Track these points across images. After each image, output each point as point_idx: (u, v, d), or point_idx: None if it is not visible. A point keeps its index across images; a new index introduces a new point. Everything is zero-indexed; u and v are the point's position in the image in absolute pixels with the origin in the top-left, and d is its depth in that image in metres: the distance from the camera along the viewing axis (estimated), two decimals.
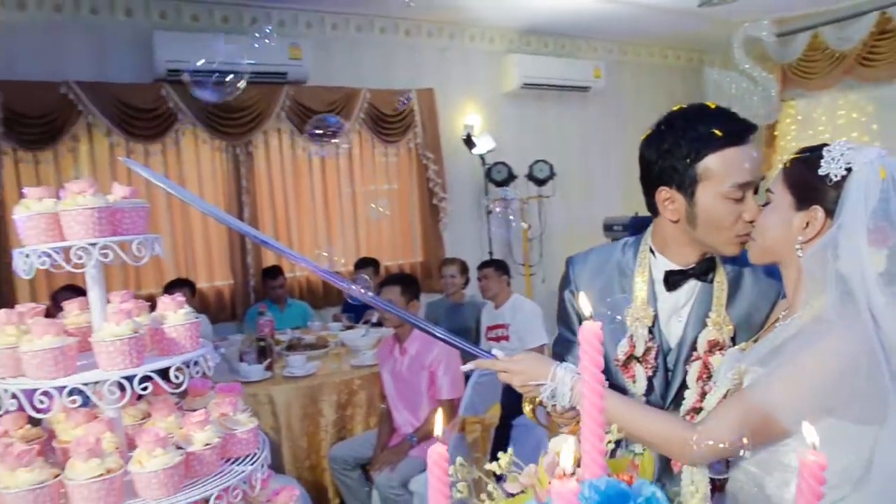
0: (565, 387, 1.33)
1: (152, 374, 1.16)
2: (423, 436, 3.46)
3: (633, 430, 1.30)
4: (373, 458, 3.52)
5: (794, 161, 1.33)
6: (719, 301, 1.49)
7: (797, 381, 1.19)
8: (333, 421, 3.70)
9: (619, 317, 1.52)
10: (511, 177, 6.18)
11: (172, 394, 1.25)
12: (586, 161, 6.93)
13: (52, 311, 1.30)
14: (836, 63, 6.45)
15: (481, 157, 6.14)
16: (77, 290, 3.48)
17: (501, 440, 3.62)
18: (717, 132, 1.36)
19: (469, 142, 6.04)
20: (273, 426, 3.56)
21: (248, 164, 5.32)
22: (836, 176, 1.24)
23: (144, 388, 1.15)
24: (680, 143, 1.39)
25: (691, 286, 1.50)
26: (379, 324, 4.45)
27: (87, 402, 1.16)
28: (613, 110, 6.93)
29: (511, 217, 5.73)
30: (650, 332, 1.50)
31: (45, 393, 1.10)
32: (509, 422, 3.71)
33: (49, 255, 1.17)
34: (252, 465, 1.23)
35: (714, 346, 1.48)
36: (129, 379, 1.13)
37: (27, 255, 1.19)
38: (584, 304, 0.76)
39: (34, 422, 1.24)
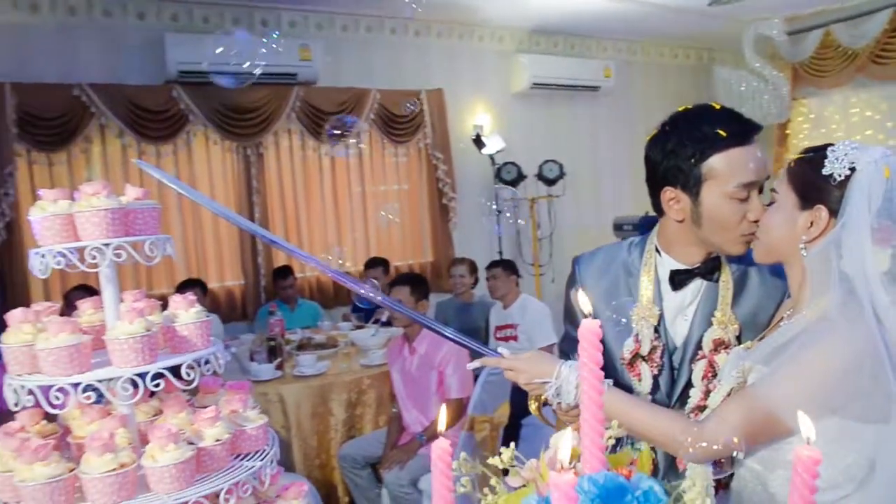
0: (570, 384, 1.34)
1: (164, 372, 1.18)
2: (433, 435, 3.48)
3: (637, 427, 1.32)
4: (382, 457, 3.54)
5: (799, 161, 1.34)
6: (725, 300, 1.50)
7: (801, 379, 1.20)
8: (343, 420, 3.72)
9: (624, 319, 1.53)
10: (521, 177, 6.19)
11: (184, 391, 1.28)
12: (596, 161, 6.93)
13: (65, 311, 1.32)
14: (848, 61, 6.41)
15: (491, 157, 6.15)
16: (89, 290, 3.54)
17: (510, 439, 3.63)
18: (721, 132, 1.37)
19: (479, 142, 6.06)
20: (283, 425, 3.58)
21: (259, 165, 5.36)
22: (839, 175, 1.25)
23: (157, 385, 1.17)
24: (685, 143, 1.40)
25: (697, 285, 1.51)
26: (388, 323, 4.47)
27: (100, 398, 1.19)
28: (623, 110, 6.92)
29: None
30: (656, 331, 1.51)
31: (61, 389, 1.13)
32: (518, 421, 3.72)
33: (64, 255, 1.20)
34: (261, 460, 1.25)
35: (719, 345, 1.49)
36: (142, 376, 1.16)
37: (43, 255, 1.21)
38: (584, 301, 0.78)
39: (50, 418, 1.27)
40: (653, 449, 1.48)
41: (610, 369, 1.57)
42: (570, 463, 0.59)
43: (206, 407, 1.27)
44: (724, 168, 1.37)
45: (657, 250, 1.54)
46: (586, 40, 6.84)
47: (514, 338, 4.37)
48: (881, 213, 1.21)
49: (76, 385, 1.14)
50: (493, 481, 0.85)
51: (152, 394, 1.29)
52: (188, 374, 1.21)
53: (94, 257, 1.20)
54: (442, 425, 0.74)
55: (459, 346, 1.57)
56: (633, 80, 7.11)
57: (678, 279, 1.51)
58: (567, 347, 1.64)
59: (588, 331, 0.68)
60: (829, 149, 1.29)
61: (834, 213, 1.26)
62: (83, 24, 4.75)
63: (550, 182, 6.31)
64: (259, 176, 5.35)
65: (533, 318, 4.36)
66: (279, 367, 3.87)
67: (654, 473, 1.49)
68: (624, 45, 7.14)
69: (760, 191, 1.41)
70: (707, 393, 1.45)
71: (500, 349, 1.47)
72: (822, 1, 6.12)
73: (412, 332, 3.56)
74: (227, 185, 5.31)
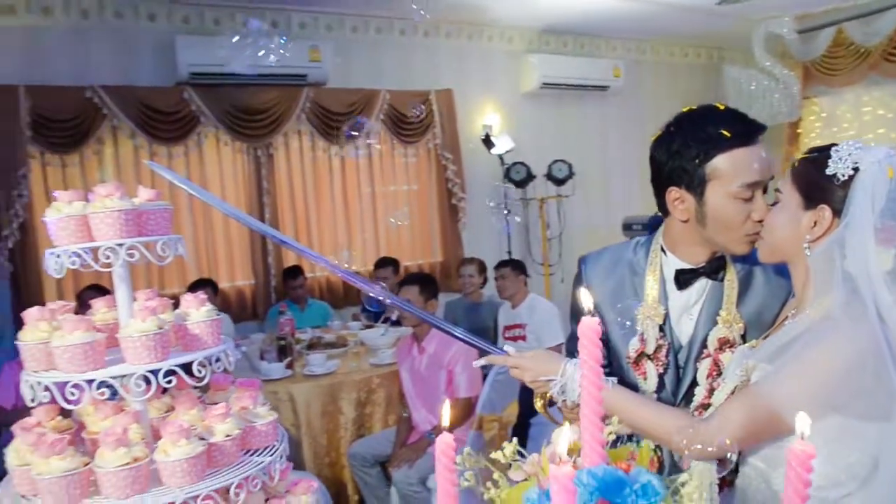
0: (575, 382, 1.36)
1: (176, 369, 1.21)
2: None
3: (642, 425, 1.33)
4: (391, 456, 3.56)
5: (803, 161, 1.35)
6: (730, 299, 1.51)
7: (804, 377, 1.21)
8: (353, 419, 3.75)
9: (628, 322, 1.54)
10: (530, 176, 6.20)
11: (195, 388, 1.30)
12: (605, 160, 6.93)
13: (79, 310, 1.35)
14: (861, 58, 6.37)
15: (500, 157, 6.16)
16: (101, 290, 3.59)
17: (519, 438, 3.64)
18: (725, 133, 1.38)
19: (488, 142, 6.07)
20: (293, 423, 3.61)
21: (269, 166, 5.40)
22: (843, 175, 1.26)
23: (169, 382, 1.20)
24: (689, 143, 1.41)
25: (702, 285, 1.52)
26: (398, 322, 4.49)
27: (114, 394, 1.22)
28: (633, 109, 6.91)
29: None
30: (661, 329, 1.52)
31: (76, 385, 1.16)
32: (527, 420, 3.72)
33: (79, 255, 1.23)
34: (271, 456, 1.28)
35: (724, 344, 1.49)
36: (155, 373, 1.19)
37: (58, 256, 1.24)
38: (585, 299, 0.79)
39: (65, 413, 1.30)
40: (658, 446, 1.50)
41: (616, 368, 1.58)
42: (571, 457, 0.60)
43: (216, 403, 1.30)
44: (728, 168, 1.38)
45: (662, 250, 1.56)
46: (596, 40, 6.84)
47: (523, 338, 4.38)
48: (884, 212, 1.22)
49: (90, 381, 1.16)
50: (495, 475, 0.87)
51: (165, 390, 1.31)
52: (199, 371, 1.23)
53: (107, 257, 1.23)
54: (446, 421, 0.76)
55: (468, 346, 1.58)
56: (642, 79, 7.10)
57: (683, 278, 1.52)
58: (573, 347, 1.64)
59: (587, 328, 0.70)
60: (833, 149, 1.30)
61: (837, 212, 1.26)
62: (95, 27, 4.81)
63: (560, 182, 6.32)
64: (269, 177, 5.39)
65: (541, 318, 4.37)
66: (289, 366, 3.90)
67: (660, 471, 1.50)
68: (633, 44, 7.13)
69: (765, 191, 1.42)
70: (711, 391, 1.46)
71: (505, 347, 1.49)
72: None
73: (421, 331, 3.58)
74: (238, 186, 5.35)
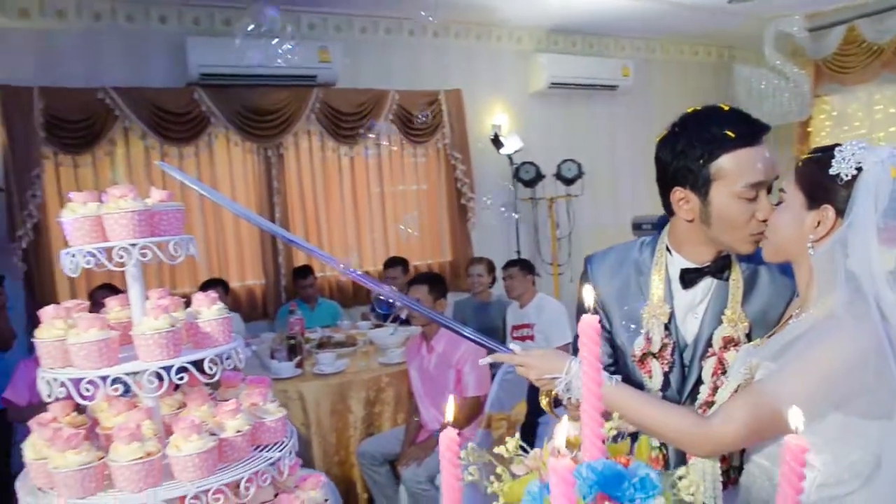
0: (580, 380, 1.37)
1: (188, 366, 1.24)
2: None
3: (647, 423, 1.34)
4: (400, 454, 3.58)
5: (806, 161, 1.36)
6: (735, 298, 1.52)
7: (807, 375, 1.22)
8: (362, 417, 3.77)
9: (633, 325, 1.56)
10: (539, 176, 6.21)
11: (206, 385, 1.33)
12: (614, 160, 6.92)
13: (91, 308, 1.38)
14: (873, 56, 6.33)
15: (509, 156, 6.17)
16: (112, 289, 3.64)
17: (528, 437, 3.66)
18: (729, 133, 1.39)
19: (497, 142, 6.08)
20: (303, 422, 3.64)
21: (279, 166, 5.43)
22: (846, 175, 1.27)
23: (181, 379, 1.23)
24: (693, 144, 1.42)
25: (707, 284, 1.53)
26: (407, 322, 4.52)
27: (127, 391, 1.24)
28: (642, 109, 6.90)
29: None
30: (666, 328, 1.54)
31: (91, 382, 1.19)
32: (536, 419, 3.74)
33: (93, 255, 1.26)
34: (280, 451, 1.30)
35: (729, 343, 1.50)
36: (167, 369, 1.21)
37: (73, 255, 1.27)
38: (587, 296, 0.81)
39: (79, 410, 1.33)
40: (663, 444, 1.52)
41: (622, 366, 1.60)
42: (572, 452, 0.62)
43: (227, 400, 1.32)
44: (732, 168, 1.39)
45: (668, 249, 1.57)
46: (604, 39, 6.84)
47: (531, 337, 4.39)
48: (887, 212, 1.23)
49: (105, 378, 1.19)
50: (499, 469, 0.89)
51: (176, 387, 1.34)
52: (211, 369, 1.26)
53: (121, 257, 1.26)
54: (450, 416, 0.77)
55: (477, 345, 1.61)
56: (651, 78, 7.09)
57: (688, 278, 1.54)
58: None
59: (587, 325, 0.71)
60: (837, 149, 1.30)
61: (841, 212, 1.27)
62: (107, 30, 4.85)
63: (569, 181, 6.32)
64: (279, 177, 5.43)
65: (549, 318, 4.38)
66: (299, 365, 3.93)
67: (666, 467, 1.52)
68: (642, 43, 7.12)
69: (770, 191, 1.43)
70: (716, 389, 1.48)
71: (511, 345, 1.51)
72: None
73: (430, 330, 3.60)
74: (248, 186, 5.39)
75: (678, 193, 1.47)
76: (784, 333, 1.36)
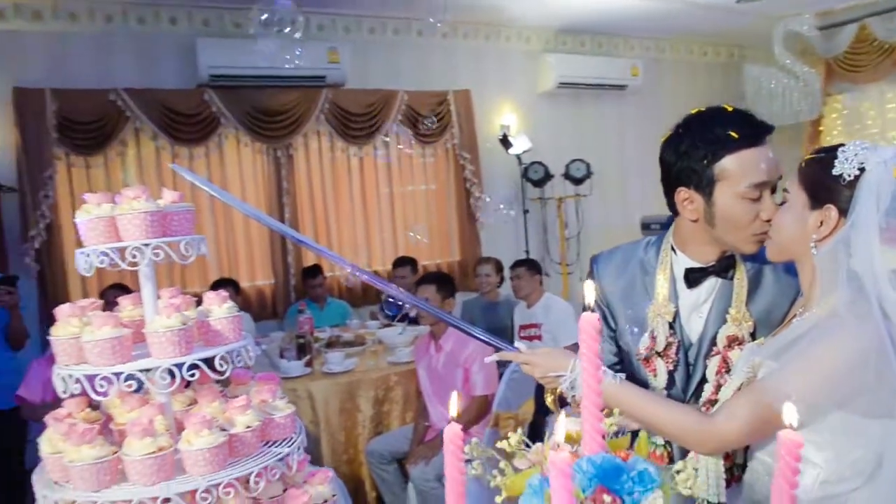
0: None
1: (199, 363, 1.27)
2: None
3: (651, 421, 1.36)
4: (409, 453, 3.60)
5: (809, 161, 1.37)
6: (739, 298, 1.53)
7: (809, 374, 1.23)
8: (370, 416, 3.79)
9: (636, 329, 1.57)
10: (548, 176, 6.21)
11: (217, 381, 1.36)
12: (623, 160, 6.92)
13: (104, 307, 1.41)
14: (885, 55, 6.30)
15: (518, 156, 6.18)
16: (123, 288, 3.68)
17: (535, 435, 3.67)
18: (733, 134, 1.40)
19: (505, 142, 6.09)
20: (312, 420, 3.66)
21: (289, 167, 5.46)
22: (849, 175, 1.27)
23: (192, 376, 1.26)
24: (697, 144, 1.43)
25: (712, 283, 1.54)
26: (415, 321, 4.53)
27: (140, 387, 1.27)
28: (651, 108, 6.88)
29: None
30: (671, 327, 1.55)
31: (105, 378, 1.22)
32: (543, 418, 3.75)
33: (107, 255, 1.29)
34: (289, 447, 1.33)
35: (733, 342, 1.51)
36: (179, 366, 1.24)
37: (87, 255, 1.31)
38: (588, 293, 0.82)
39: (93, 406, 1.36)
40: (667, 441, 1.53)
41: (627, 365, 1.61)
42: (572, 446, 0.64)
43: (237, 397, 1.35)
44: (736, 169, 1.40)
45: (673, 249, 1.58)
46: (613, 39, 6.83)
47: (539, 337, 4.39)
48: (889, 212, 1.24)
49: (118, 374, 1.22)
50: (501, 464, 0.91)
51: (188, 384, 1.37)
52: (221, 366, 1.29)
53: (134, 256, 1.29)
54: (454, 411, 0.79)
55: (485, 344, 1.63)
56: (661, 78, 7.07)
57: (693, 277, 1.55)
58: None
59: (587, 322, 0.73)
60: (840, 149, 1.31)
61: (843, 212, 1.28)
62: (119, 32, 4.91)
63: (578, 181, 6.33)
64: (289, 177, 5.46)
65: (557, 318, 4.38)
66: (308, 364, 3.95)
67: (670, 464, 1.53)
68: (651, 43, 7.10)
69: (773, 190, 1.44)
70: (720, 387, 1.49)
71: (516, 343, 1.52)
72: None
73: (438, 330, 3.62)
74: (258, 187, 5.42)
75: (682, 194, 1.48)
76: (787, 332, 1.37)
